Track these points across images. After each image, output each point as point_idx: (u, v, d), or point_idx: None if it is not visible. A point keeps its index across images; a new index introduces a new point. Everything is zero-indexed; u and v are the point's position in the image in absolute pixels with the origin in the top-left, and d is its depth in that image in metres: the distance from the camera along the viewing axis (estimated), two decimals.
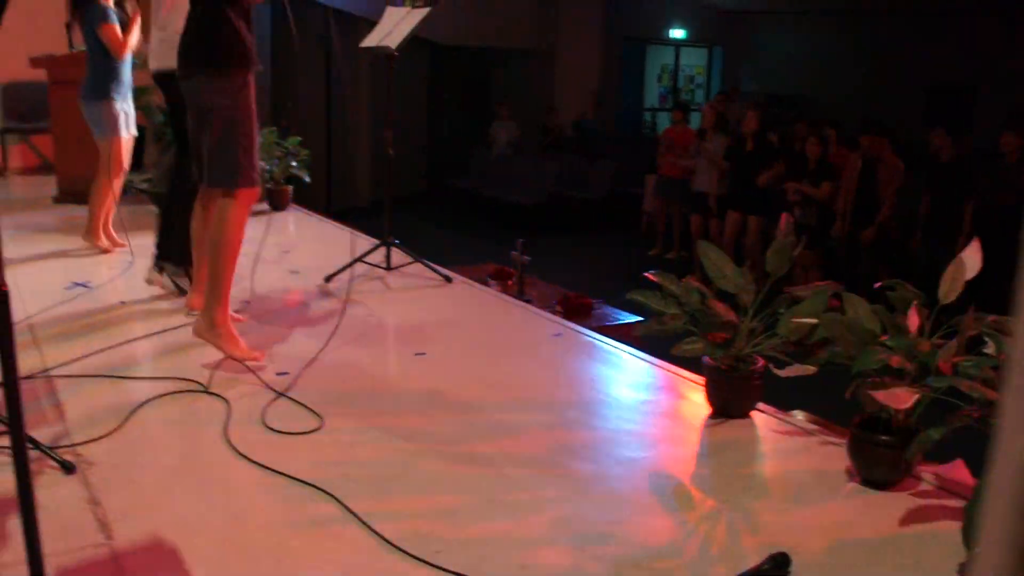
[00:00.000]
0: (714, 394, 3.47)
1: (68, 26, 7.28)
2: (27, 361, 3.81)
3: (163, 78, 4.65)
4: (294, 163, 7.42)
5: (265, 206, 7.26)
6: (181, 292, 4.74)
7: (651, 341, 3.70)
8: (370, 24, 11.71)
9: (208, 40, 3.70)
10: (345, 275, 5.20)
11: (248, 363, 3.84)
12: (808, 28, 17.25)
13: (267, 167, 7.14)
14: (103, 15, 5.51)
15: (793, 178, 9.05)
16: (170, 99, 4.73)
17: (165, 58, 4.45)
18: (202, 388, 3.62)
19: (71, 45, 7.43)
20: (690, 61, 19.74)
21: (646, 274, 3.56)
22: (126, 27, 5.56)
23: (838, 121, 10.66)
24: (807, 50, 17.19)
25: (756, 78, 18.02)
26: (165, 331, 4.32)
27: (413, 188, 14.85)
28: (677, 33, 18.97)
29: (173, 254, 4.81)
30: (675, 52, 19.45)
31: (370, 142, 14.06)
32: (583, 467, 3.05)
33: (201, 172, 3.90)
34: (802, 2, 16.59)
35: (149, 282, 4.89)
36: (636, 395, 3.78)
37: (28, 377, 3.66)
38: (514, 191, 13.47)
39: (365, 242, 6.02)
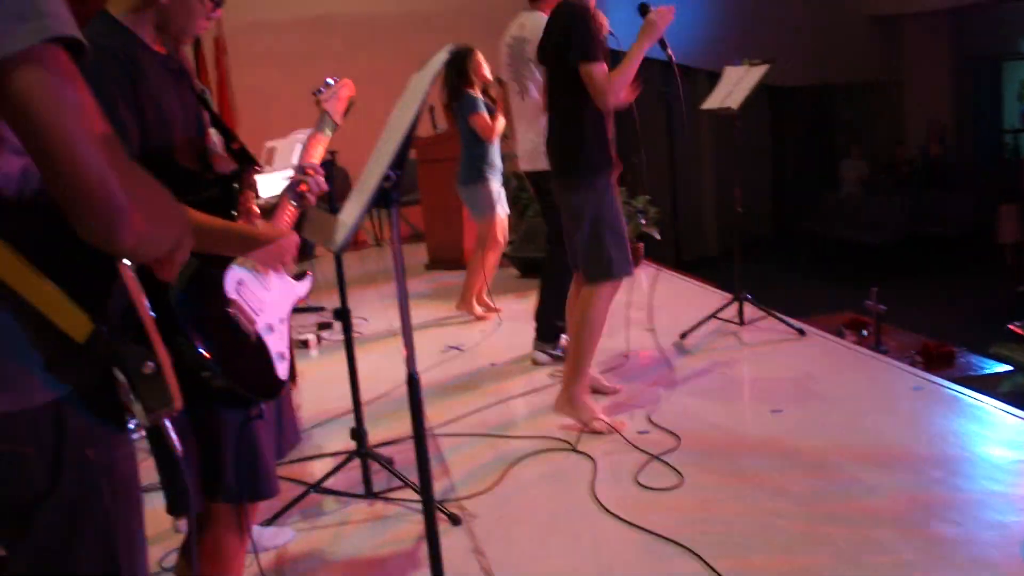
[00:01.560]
0: None
1: (431, 111, 8.01)
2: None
3: (533, 175, 5.17)
4: (644, 220, 7.66)
5: None
6: (557, 360, 5.08)
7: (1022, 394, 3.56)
8: (708, 75, 11.84)
9: (571, 151, 3.99)
10: (700, 331, 5.36)
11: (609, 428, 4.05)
12: None
13: None
14: (473, 105, 6.01)
15: None
16: (540, 193, 5.17)
17: (536, 162, 4.98)
18: (570, 447, 3.89)
19: (435, 127, 8.16)
20: None
21: (1011, 326, 3.44)
22: (493, 113, 6.02)
23: None
24: None
25: None
26: (533, 391, 4.66)
27: (760, 233, 14.75)
28: None
29: (548, 333, 5.20)
30: None
31: (715, 191, 14.16)
32: (947, 530, 3.00)
33: (575, 261, 4.20)
34: None
35: (535, 362, 5.22)
36: (1006, 453, 3.62)
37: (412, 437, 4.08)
38: (866, 232, 13.05)
39: (717, 296, 6.14)
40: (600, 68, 3.81)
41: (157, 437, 1.81)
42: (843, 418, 4.06)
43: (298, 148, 6.24)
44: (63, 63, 1.18)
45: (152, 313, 1.40)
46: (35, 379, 1.33)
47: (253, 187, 2.23)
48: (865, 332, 6.15)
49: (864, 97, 15.94)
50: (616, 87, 3.82)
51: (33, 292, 1.28)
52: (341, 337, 3.63)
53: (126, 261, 1.36)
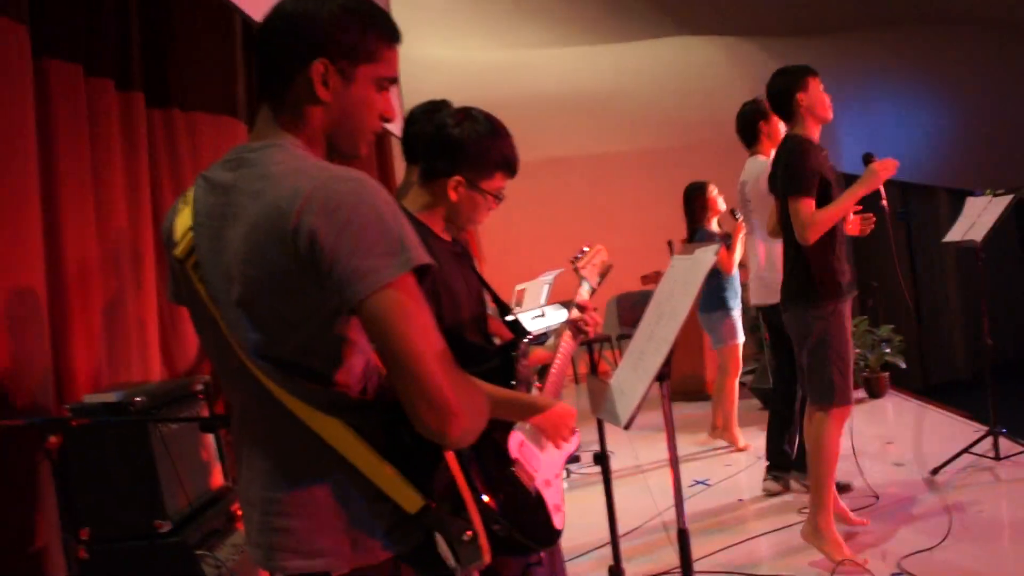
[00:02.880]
0: None
1: (670, 244, 8.28)
2: (665, 559, 4.40)
3: (762, 309, 5.47)
4: (887, 349, 7.57)
5: (862, 394, 7.49)
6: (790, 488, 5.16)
7: None
8: (949, 192, 11.59)
9: (801, 278, 4.12)
10: (952, 466, 5.26)
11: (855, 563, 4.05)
12: None
13: (863, 354, 7.44)
14: (709, 240, 6.24)
15: None
16: (769, 326, 5.45)
17: (763, 296, 5.30)
18: None
19: None
20: None
21: None
22: (729, 245, 6.22)
23: None
24: None
25: None
26: (783, 528, 4.70)
27: (1013, 354, 14.04)
28: None
29: (780, 462, 5.30)
30: None
31: (962, 311, 13.64)
32: None
33: (803, 386, 4.30)
34: None
35: (766, 492, 5.33)
36: None
37: (666, 573, 4.24)
38: None
39: (969, 427, 5.99)
40: (805, 204, 3.96)
41: None
42: None
43: (545, 289, 6.65)
44: (414, 288, 1.51)
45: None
46: (378, 541, 1.64)
47: (527, 356, 2.54)
48: None
49: None
50: (819, 225, 3.96)
51: (375, 473, 1.61)
52: (589, 470, 3.81)
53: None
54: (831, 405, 4.12)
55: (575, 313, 2.75)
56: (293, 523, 1.64)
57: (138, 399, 2.95)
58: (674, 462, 2.41)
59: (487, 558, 1.67)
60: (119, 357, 4.14)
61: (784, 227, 4.25)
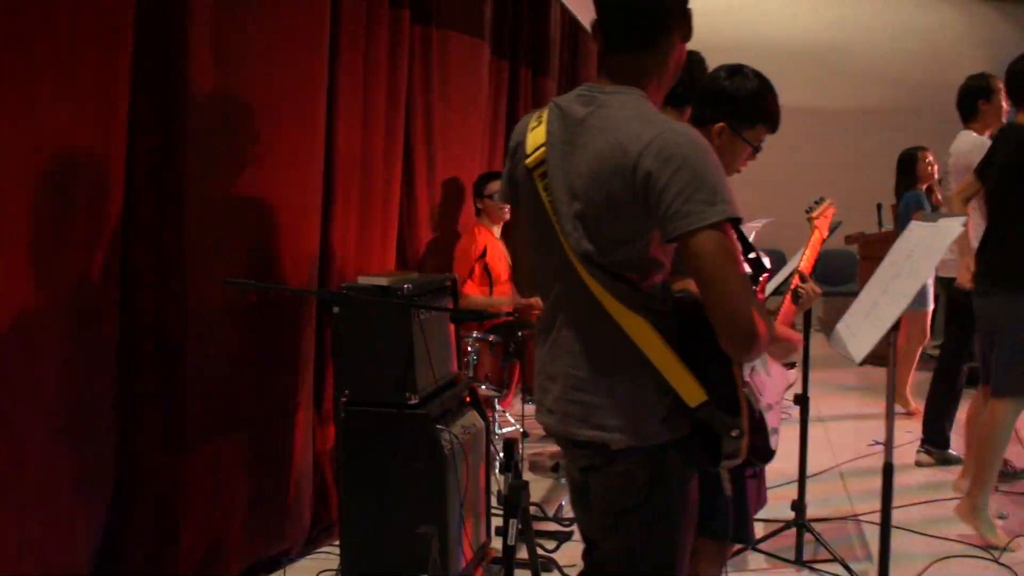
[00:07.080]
0: None
1: (879, 208, 8.25)
2: (838, 506, 4.65)
3: (944, 281, 5.47)
4: None
5: None
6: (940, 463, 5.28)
7: None
8: None
9: (1004, 263, 4.09)
10: None
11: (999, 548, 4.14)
12: None
13: None
14: (915, 203, 6.23)
15: None
16: (949, 300, 5.39)
17: (946, 269, 5.25)
18: (992, 558, 4.07)
19: (880, 224, 8.37)
20: None
21: None
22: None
23: None
24: None
25: None
26: (958, 497, 4.75)
27: None
28: None
29: (936, 438, 5.43)
30: None
31: None
32: None
33: (986, 373, 4.34)
34: None
35: (919, 464, 5.44)
36: None
37: (841, 519, 4.47)
38: None
39: None
40: None
41: None
42: None
43: (751, 236, 6.80)
44: (730, 233, 1.81)
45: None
46: (655, 427, 1.95)
47: (763, 290, 2.80)
48: None
49: None
50: None
51: (668, 368, 1.91)
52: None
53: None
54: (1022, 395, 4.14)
55: (796, 280, 2.96)
56: (590, 398, 1.98)
57: (406, 286, 3.29)
58: (889, 402, 2.63)
59: (743, 457, 1.96)
60: (365, 247, 4.62)
61: (993, 214, 4.21)
